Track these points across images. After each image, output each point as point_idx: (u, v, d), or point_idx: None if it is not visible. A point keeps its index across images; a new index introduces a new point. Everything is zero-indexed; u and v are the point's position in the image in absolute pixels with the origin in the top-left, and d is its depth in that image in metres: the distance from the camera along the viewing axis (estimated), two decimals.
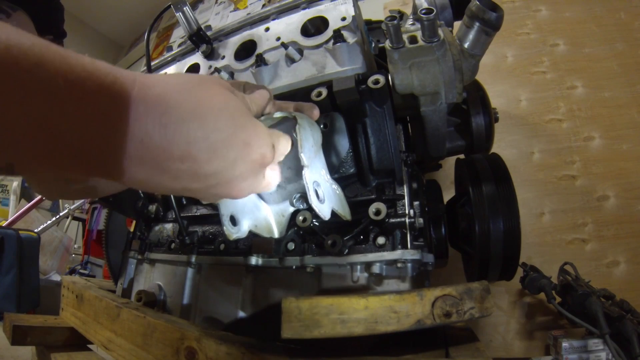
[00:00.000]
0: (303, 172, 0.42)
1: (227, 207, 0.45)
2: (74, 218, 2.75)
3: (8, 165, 0.23)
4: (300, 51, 0.66)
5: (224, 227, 0.44)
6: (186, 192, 0.31)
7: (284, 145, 0.37)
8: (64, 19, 0.73)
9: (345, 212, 0.51)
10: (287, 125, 0.48)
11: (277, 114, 0.44)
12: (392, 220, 0.55)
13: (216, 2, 0.95)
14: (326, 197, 0.46)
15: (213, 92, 0.30)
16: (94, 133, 0.24)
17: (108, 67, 0.25)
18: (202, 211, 0.73)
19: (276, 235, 0.51)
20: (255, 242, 0.63)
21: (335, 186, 0.52)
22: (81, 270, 2.36)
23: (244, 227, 0.47)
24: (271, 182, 0.39)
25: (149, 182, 0.28)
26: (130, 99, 0.25)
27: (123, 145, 0.25)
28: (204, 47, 0.78)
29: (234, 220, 0.45)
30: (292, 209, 0.55)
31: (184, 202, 0.77)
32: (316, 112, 0.49)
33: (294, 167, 0.53)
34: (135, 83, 0.26)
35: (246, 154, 0.31)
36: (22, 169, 0.24)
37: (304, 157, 0.41)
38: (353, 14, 0.64)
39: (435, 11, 0.48)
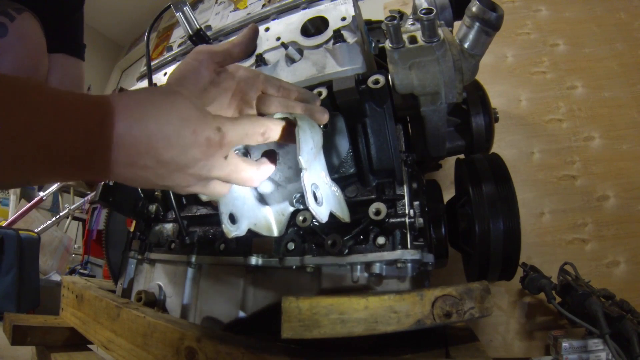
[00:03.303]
0: (301, 174, 0.42)
1: (226, 206, 0.45)
2: (74, 218, 2.74)
3: None
4: (300, 51, 0.66)
5: (223, 225, 0.44)
6: (166, 185, 0.37)
7: (234, 129, 0.38)
8: (82, 29, 0.68)
9: (344, 215, 0.51)
10: None
11: (278, 115, 0.44)
12: (392, 220, 0.55)
13: (216, 2, 0.95)
14: (324, 200, 0.46)
15: (165, 97, 0.36)
16: (83, 142, 0.30)
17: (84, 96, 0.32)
18: (202, 211, 0.73)
19: (275, 234, 0.51)
20: (255, 242, 0.63)
21: (334, 188, 0.52)
22: (81, 270, 2.35)
23: (243, 225, 0.47)
24: (238, 166, 0.40)
25: (136, 180, 0.35)
26: (107, 110, 0.31)
27: (107, 150, 0.31)
28: None
29: (232, 219, 0.45)
30: (292, 209, 0.55)
31: (184, 202, 0.77)
32: (325, 117, 0.49)
33: (294, 167, 0.53)
34: (110, 98, 0.32)
35: (194, 139, 0.36)
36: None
37: (302, 160, 0.41)
38: (353, 14, 0.64)
39: (435, 11, 0.48)
